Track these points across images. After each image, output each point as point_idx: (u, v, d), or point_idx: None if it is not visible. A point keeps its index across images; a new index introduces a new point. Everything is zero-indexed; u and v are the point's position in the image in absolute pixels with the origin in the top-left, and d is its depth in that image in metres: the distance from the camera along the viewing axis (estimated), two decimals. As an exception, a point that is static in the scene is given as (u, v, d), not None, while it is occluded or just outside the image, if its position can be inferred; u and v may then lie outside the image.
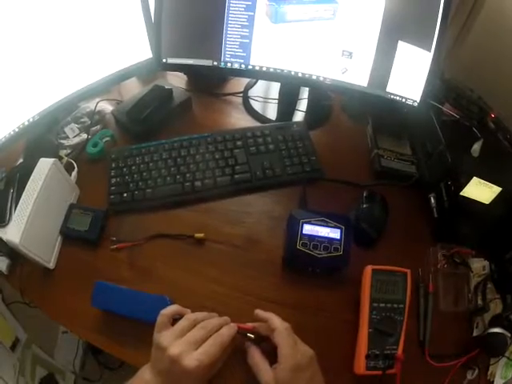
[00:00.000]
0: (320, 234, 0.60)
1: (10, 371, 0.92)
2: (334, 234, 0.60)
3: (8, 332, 0.94)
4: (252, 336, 0.52)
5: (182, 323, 0.48)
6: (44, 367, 1.03)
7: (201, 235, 0.63)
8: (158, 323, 0.49)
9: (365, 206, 0.68)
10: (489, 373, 0.59)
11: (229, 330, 0.49)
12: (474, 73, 0.84)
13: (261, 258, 0.63)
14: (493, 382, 0.59)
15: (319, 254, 0.58)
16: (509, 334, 0.57)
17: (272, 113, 0.83)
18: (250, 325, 0.52)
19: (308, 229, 0.60)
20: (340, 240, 0.60)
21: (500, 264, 0.67)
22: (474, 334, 0.61)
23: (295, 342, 0.49)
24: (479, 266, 0.68)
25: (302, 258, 0.59)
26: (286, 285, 0.61)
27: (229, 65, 0.72)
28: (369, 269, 0.59)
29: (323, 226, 0.60)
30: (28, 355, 0.99)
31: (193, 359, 0.44)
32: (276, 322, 0.50)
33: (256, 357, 0.50)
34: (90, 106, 0.77)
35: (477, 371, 0.58)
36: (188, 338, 0.46)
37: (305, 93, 0.87)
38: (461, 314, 0.62)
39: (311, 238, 0.59)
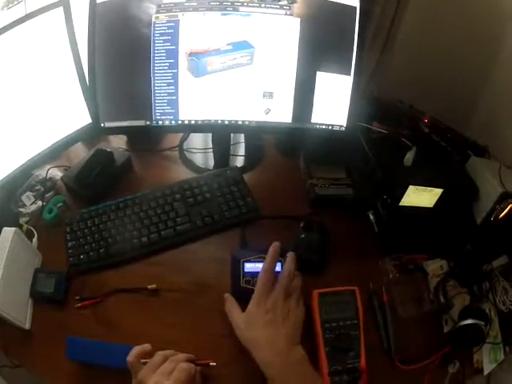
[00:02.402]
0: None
1: None
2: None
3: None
4: (214, 363, 0.58)
5: (154, 359, 0.55)
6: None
7: (153, 286, 0.69)
8: (131, 368, 0.55)
9: (302, 235, 0.73)
10: (474, 361, 0.64)
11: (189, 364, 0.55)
12: (404, 85, 0.88)
13: (212, 300, 0.67)
14: (482, 368, 0.63)
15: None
16: (482, 322, 0.61)
17: (211, 162, 0.88)
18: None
19: (249, 267, 0.65)
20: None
21: (459, 259, 0.72)
22: (445, 330, 0.66)
23: (268, 289, 0.59)
24: (435, 266, 0.72)
25: (247, 295, 0.63)
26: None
27: (160, 122, 0.77)
28: (315, 293, 0.64)
29: (263, 261, 0.64)
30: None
31: None
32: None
33: (230, 303, 0.62)
34: (42, 173, 0.82)
35: (458, 363, 0.63)
36: (161, 370, 0.53)
37: (242, 137, 0.92)
38: (426, 316, 0.66)
39: (253, 274, 0.64)
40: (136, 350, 0.56)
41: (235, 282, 0.65)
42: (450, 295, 0.69)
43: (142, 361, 0.56)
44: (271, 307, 0.58)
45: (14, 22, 0.65)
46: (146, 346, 0.57)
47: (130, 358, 0.55)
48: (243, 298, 0.65)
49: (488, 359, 0.64)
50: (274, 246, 0.63)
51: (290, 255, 0.63)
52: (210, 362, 0.58)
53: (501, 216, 0.71)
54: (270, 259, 0.61)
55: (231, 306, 0.62)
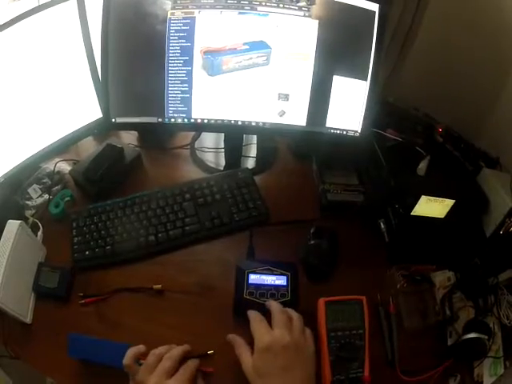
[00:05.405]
0: (266, 283, 0.64)
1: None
2: (280, 280, 0.64)
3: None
4: (212, 351, 0.59)
5: (149, 359, 0.54)
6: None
7: (158, 286, 0.68)
8: (127, 370, 0.55)
9: (312, 242, 0.71)
10: (475, 375, 0.63)
11: (194, 361, 0.56)
12: (419, 92, 0.87)
13: (216, 303, 0.67)
14: (482, 382, 0.62)
15: (266, 302, 0.61)
16: (485, 336, 0.61)
17: (222, 162, 0.87)
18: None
19: (254, 278, 0.64)
20: (286, 286, 0.63)
21: (467, 271, 0.71)
22: (449, 343, 0.65)
23: (267, 328, 0.55)
24: (443, 278, 0.71)
25: (249, 307, 0.61)
26: (242, 326, 0.62)
27: (172, 120, 0.75)
28: (321, 302, 0.63)
29: (269, 274, 0.64)
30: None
31: None
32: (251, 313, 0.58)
33: (240, 345, 0.56)
34: (50, 166, 0.82)
35: (459, 377, 0.62)
36: (159, 369, 0.53)
37: (254, 138, 0.91)
38: (431, 328, 0.66)
39: (257, 286, 0.63)
40: (131, 352, 0.56)
41: (238, 293, 0.63)
42: (455, 308, 0.68)
43: (140, 361, 0.55)
44: (281, 350, 0.53)
45: (25, 12, 0.64)
46: (141, 347, 0.57)
47: (126, 360, 0.55)
48: (245, 309, 0.62)
49: (488, 373, 0.64)
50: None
51: (270, 304, 0.60)
52: (208, 351, 0.58)
53: (511, 229, 0.70)
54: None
55: (241, 348, 0.56)
